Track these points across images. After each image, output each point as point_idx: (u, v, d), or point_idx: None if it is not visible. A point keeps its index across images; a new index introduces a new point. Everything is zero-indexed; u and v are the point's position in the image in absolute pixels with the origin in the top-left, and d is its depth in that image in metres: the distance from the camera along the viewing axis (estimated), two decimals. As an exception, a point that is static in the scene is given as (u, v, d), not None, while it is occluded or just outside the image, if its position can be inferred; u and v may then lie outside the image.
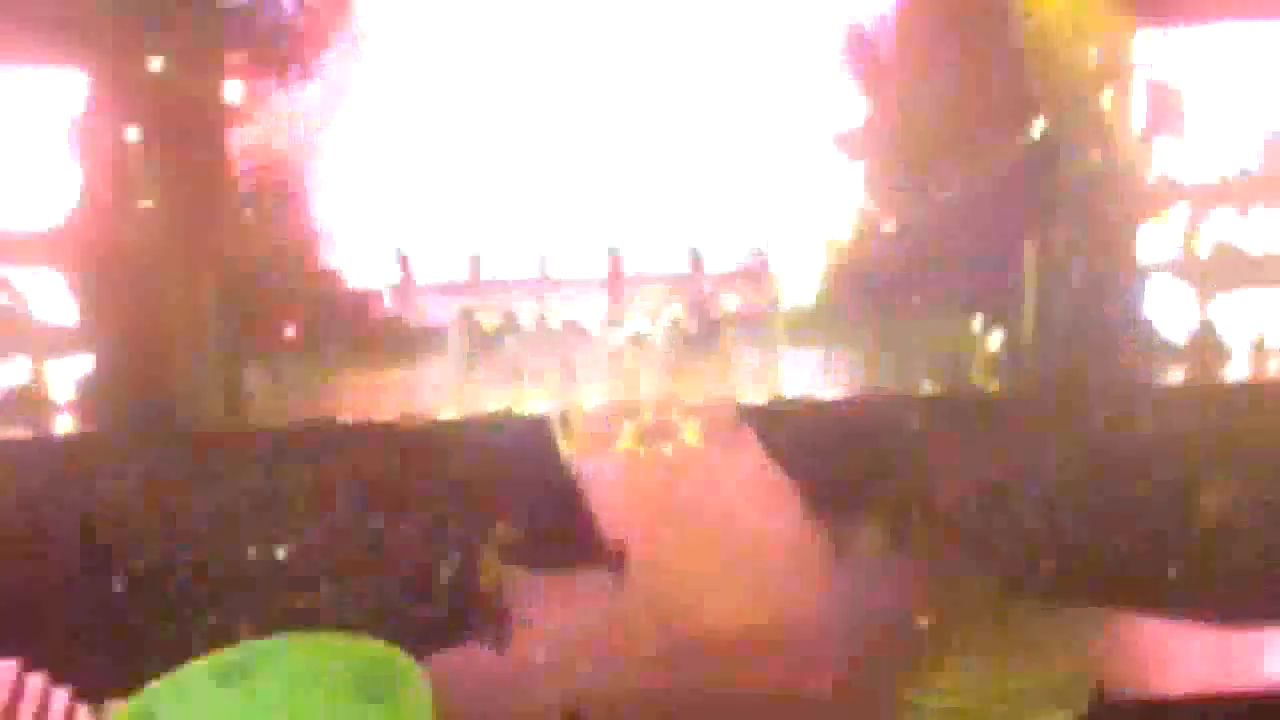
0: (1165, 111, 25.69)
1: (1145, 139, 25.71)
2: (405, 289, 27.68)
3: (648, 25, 28.86)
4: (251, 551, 17.65)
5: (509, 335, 25.17)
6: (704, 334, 25.49)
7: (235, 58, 25.91)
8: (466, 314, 25.26)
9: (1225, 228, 25.85)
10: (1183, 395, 23.27)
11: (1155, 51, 25.58)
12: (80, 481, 20.04)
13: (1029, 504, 18.81)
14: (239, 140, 25.58)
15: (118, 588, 17.11)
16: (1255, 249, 25.82)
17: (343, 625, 15.97)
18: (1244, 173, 26.00)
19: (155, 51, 23.84)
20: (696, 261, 28.01)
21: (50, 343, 24.07)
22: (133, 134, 23.87)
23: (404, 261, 27.86)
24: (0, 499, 19.71)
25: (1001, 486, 19.24)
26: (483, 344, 24.84)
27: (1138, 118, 25.71)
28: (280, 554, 17.63)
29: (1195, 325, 25.51)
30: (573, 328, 25.32)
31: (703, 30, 28.75)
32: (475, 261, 28.08)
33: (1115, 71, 25.44)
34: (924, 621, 16.30)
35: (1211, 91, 25.75)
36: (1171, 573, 17.16)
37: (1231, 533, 17.78)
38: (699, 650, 16.07)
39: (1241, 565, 17.21)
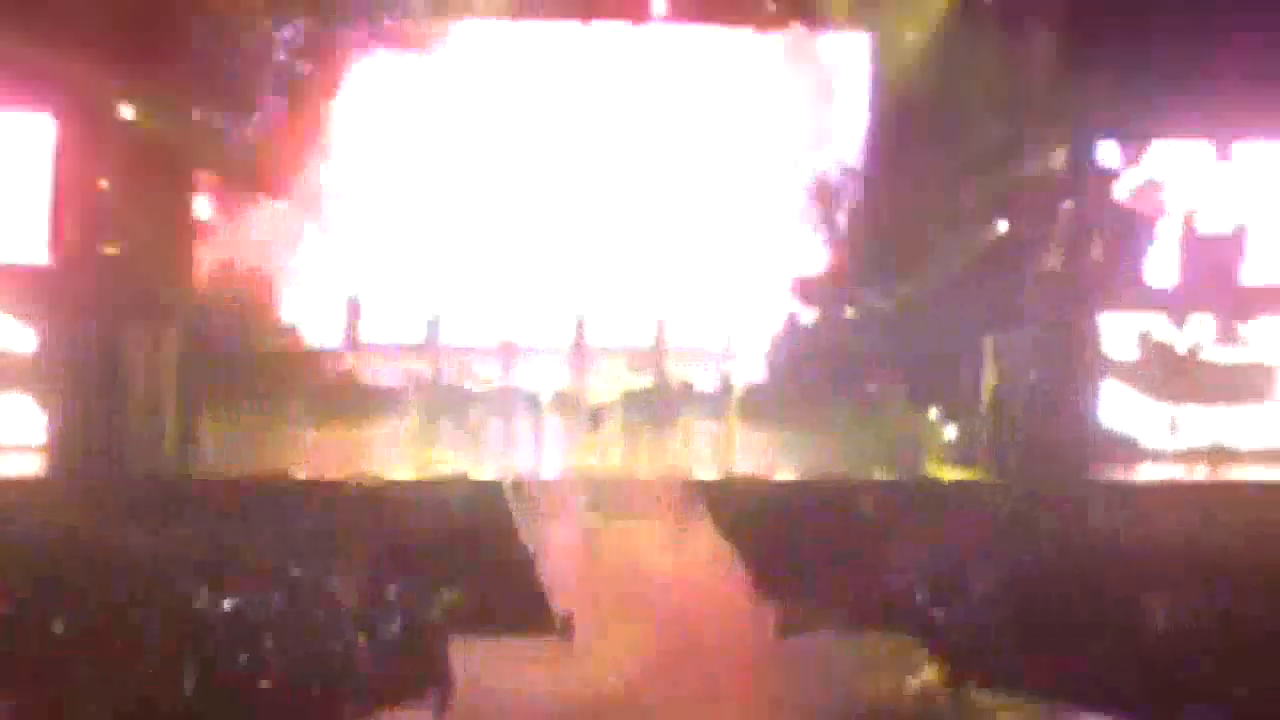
0: (1128, 216, 25.96)
1: (1107, 242, 25.94)
2: (361, 346, 27.62)
3: (625, 107, 29.13)
4: (196, 602, 17.46)
5: (467, 399, 25.20)
6: (661, 408, 25.51)
7: (204, 106, 26.08)
8: (425, 375, 25.28)
9: (1183, 332, 26.04)
10: (1137, 494, 23.44)
11: (1121, 159, 25.89)
12: (25, 525, 19.95)
13: (977, 594, 18.81)
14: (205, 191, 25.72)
15: (58, 632, 16.87)
16: (1213, 355, 26.03)
17: (285, 680, 15.95)
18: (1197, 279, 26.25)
19: (125, 98, 23.89)
20: (658, 335, 28.02)
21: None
22: (101, 181, 23.90)
23: (356, 316, 27.83)
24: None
25: (950, 575, 19.25)
26: (440, 406, 24.83)
27: (1100, 220, 25.96)
28: (225, 606, 17.45)
29: (1153, 426, 25.72)
30: (532, 395, 25.31)
31: (678, 108, 29.04)
32: (435, 324, 27.91)
33: (1079, 175, 25.72)
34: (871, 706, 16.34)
35: (1178, 201, 26.08)
36: (1117, 669, 17.12)
37: (1181, 635, 17.79)
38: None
39: (1184, 664, 17.21)
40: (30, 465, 23.31)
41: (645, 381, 25.80)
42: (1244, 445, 25.83)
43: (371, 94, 28.13)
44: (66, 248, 23.76)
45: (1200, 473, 25.17)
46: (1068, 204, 25.88)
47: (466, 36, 28.38)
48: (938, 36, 26.14)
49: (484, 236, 28.71)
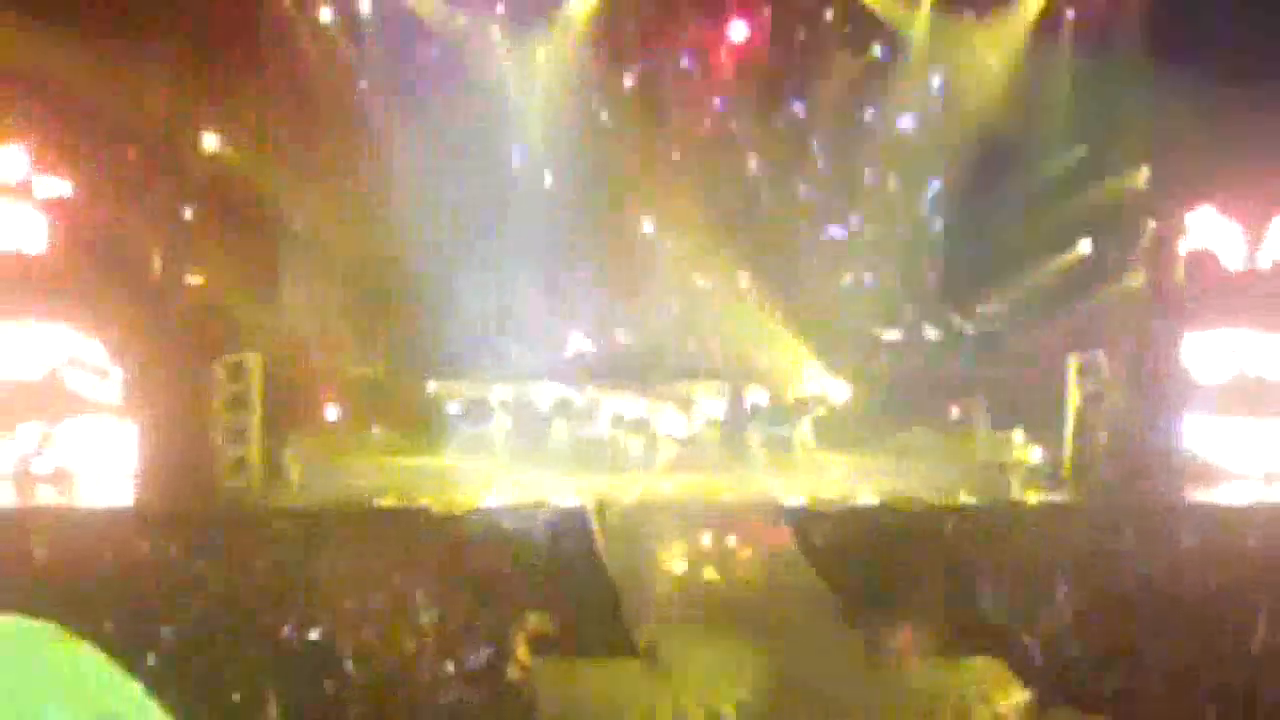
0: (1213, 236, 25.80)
1: (1190, 261, 25.78)
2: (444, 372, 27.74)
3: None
4: (285, 631, 17.53)
5: (547, 424, 25.31)
6: (742, 432, 25.49)
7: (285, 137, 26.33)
8: (509, 401, 25.37)
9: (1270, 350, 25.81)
10: (1224, 515, 23.20)
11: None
12: (117, 554, 20.14)
13: (1063, 618, 18.66)
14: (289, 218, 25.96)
15: (150, 662, 16.99)
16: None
17: (373, 708, 15.98)
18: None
19: (208, 130, 24.16)
20: (736, 359, 27.93)
21: (95, 413, 24.19)
22: (185, 213, 24.17)
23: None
24: (37, 569, 19.81)
25: (1036, 599, 19.11)
26: (522, 431, 24.95)
27: (1185, 241, 25.81)
28: (313, 635, 17.51)
29: (1239, 446, 25.45)
30: (611, 418, 25.38)
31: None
32: (512, 349, 27.94)
33: (1162, 194, 25.61)
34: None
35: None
36: (1203, 691, 16.93)
37: (1272, 657, 17.58)
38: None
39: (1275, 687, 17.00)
40: (117, 492, 23.51)
41: (725, 406, 25.80)
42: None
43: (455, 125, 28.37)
44: (150, 278, 24.00)
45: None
46: (1150, 223, 25.74)
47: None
48: (1016, 60, 26.10)
49: (563, 259, 28.87)
